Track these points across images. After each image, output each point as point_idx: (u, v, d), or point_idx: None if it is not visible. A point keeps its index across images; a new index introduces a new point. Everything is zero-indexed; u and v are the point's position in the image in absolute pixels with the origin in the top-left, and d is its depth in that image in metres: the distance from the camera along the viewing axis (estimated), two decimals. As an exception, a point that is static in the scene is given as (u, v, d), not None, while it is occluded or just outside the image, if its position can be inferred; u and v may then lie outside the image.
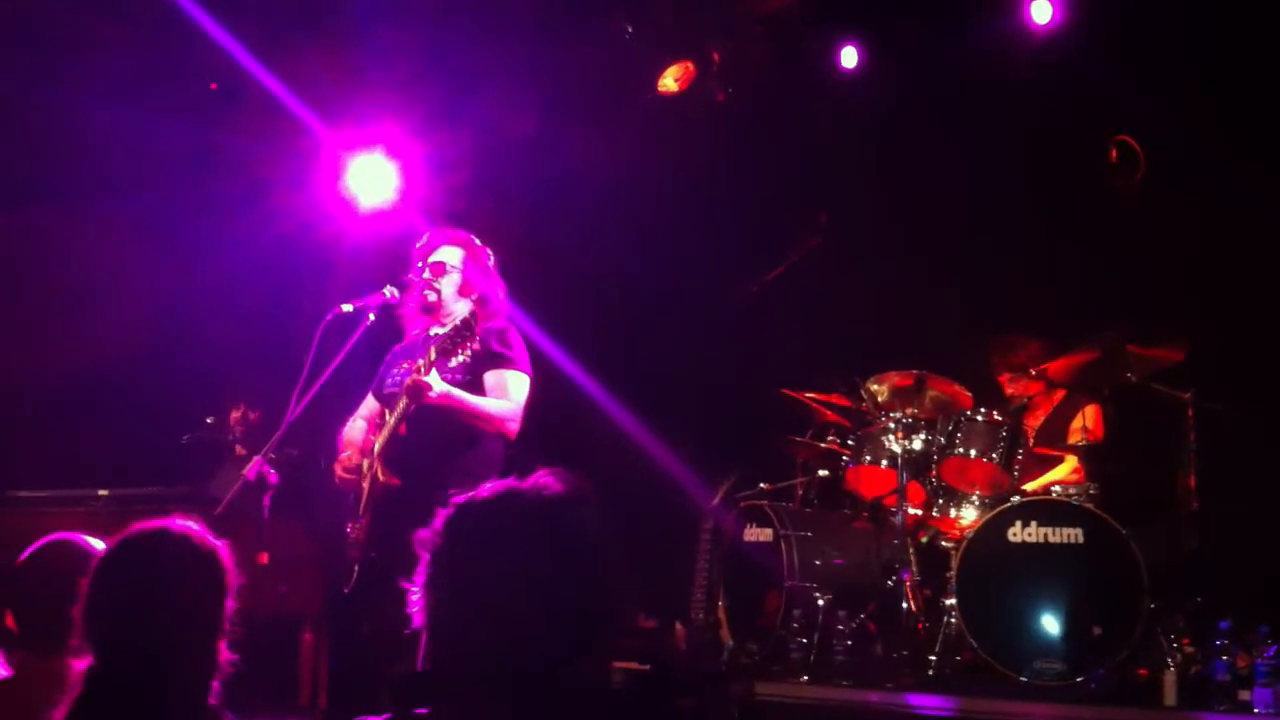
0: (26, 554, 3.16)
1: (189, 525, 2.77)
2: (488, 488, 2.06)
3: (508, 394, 5.01)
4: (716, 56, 7.62)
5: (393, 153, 7.56)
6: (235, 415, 7.26)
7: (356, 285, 5.49)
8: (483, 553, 2.00)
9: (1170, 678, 5.25)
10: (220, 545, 2.75)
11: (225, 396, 7.28)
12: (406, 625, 2.04)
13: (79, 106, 6.87)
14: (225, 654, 2.72)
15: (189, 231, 7.56)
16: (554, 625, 1.97)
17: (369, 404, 5.30)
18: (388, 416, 4.95)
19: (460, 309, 5.11)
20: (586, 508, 2.08)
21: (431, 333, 5.11)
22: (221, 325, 7.63)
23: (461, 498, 2.06)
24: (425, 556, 2.03)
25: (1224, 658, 5.27)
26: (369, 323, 5.17)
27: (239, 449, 7.02)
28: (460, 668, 1.98)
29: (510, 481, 2.07)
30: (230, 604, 2.74)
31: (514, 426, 5.02)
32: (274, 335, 6.90)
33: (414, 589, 2.03)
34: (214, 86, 7.48)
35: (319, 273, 7.50)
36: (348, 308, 5.15)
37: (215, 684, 2.66)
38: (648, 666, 5.98)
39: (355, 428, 5.23)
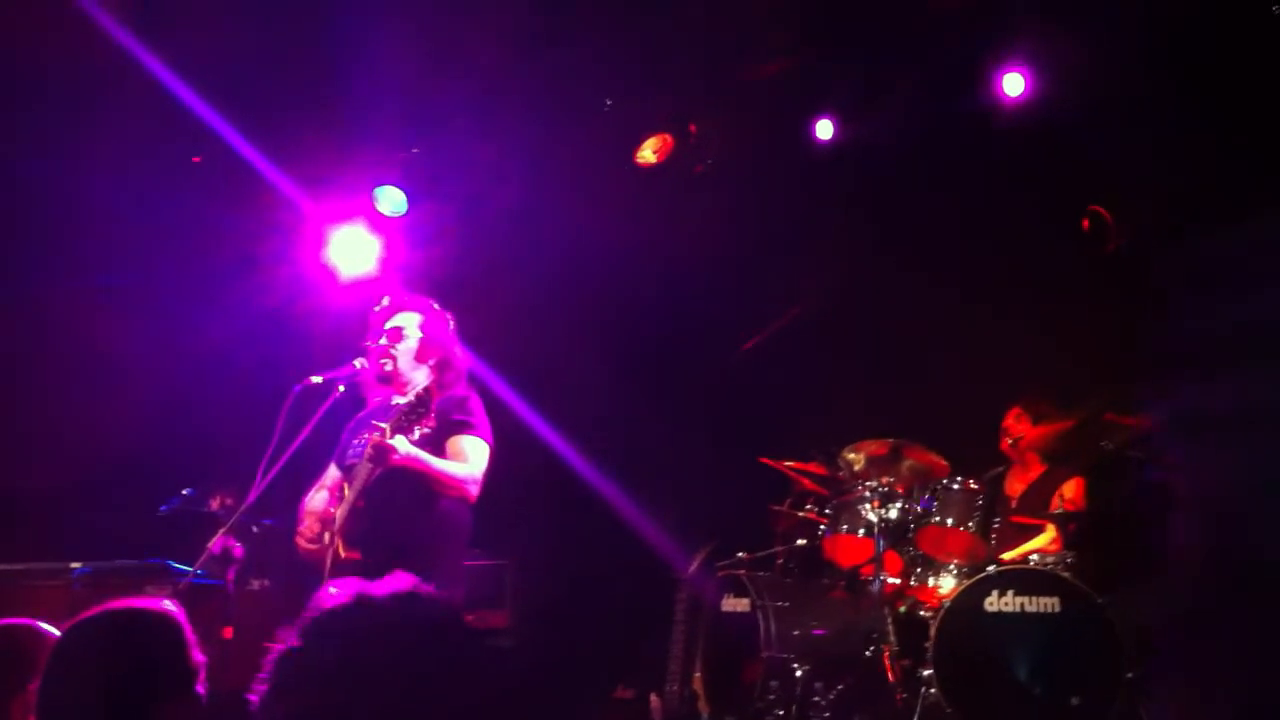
0: None
1: (151, 605, 2.75)
2: (340, 595, 1.89)
3: (467, 459, 5.02)
4: (694, 128, 7.68)
5: (375, 224, 7.62)
6: (215, 504, 7.23)
7: (342, 355, 5.53)
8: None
9: (1148, 750, 5.21)
10: (185, 625, 2.73)
11: (210, 481, 7.25)
12: None
13: (64, 182, 6.93)
14: None
15: (174, 305, 7.59)
16: None
17: (331, 473, 5.31)
18: (347, 490, 4.95)
19: (419, 377, 5.15)
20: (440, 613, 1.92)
21: (393, 402, 5.12)
22: (205, 397, 7.64)
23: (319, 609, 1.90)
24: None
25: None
26: (338, 394, 5.19)
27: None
28: None
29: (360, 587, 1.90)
30: (200, 687, 2.70)
31: (475, 490, 5.04)
32: (256, 407, 6.90)
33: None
34: (197, 160, 7.54)
35: (304, 344, 7.52)
36: (317, 379, 5.18)
37: None
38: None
39: (317, 498, 5.23)
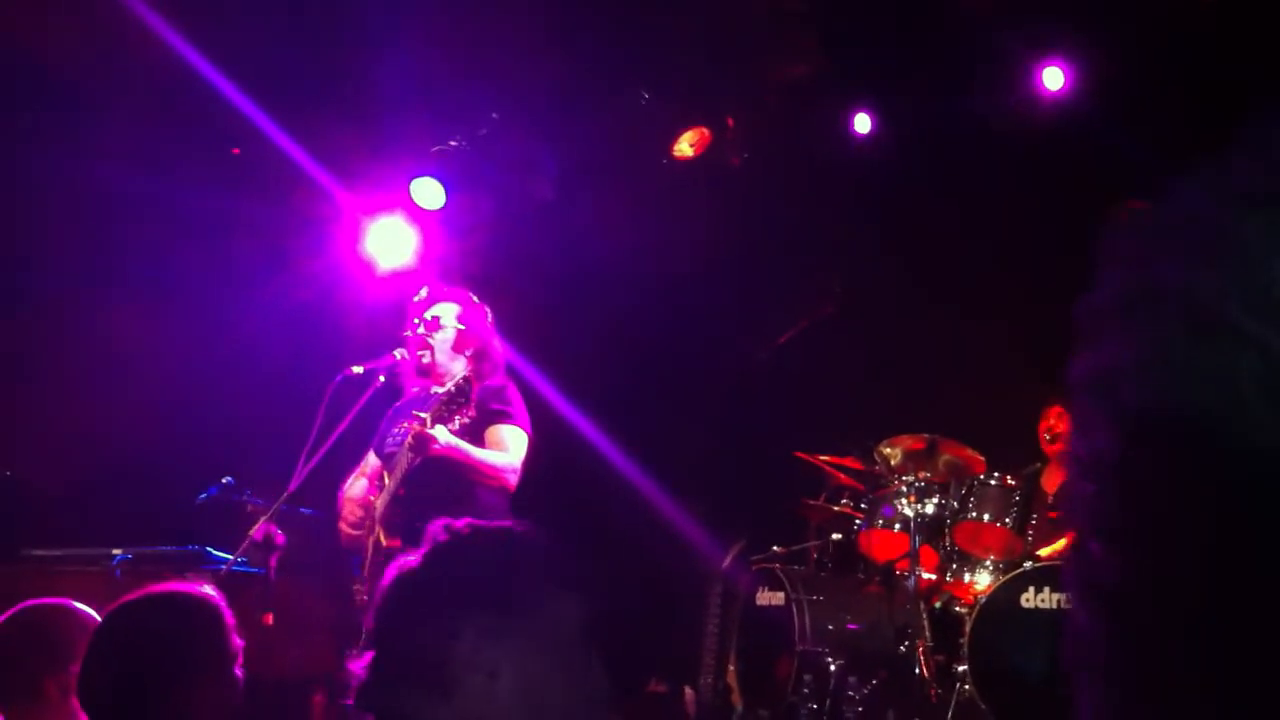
0: (9, 612, 3.20)
1: (192, 589, 2.80)
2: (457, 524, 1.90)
3: (506, 449, 5.05)
4: (731, 122, 7.68)
5: (412, 215, 7.64)
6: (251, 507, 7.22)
7: (375, 348, 5.56)
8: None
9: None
10: (225, 609, 2.77)
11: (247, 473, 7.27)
12: None
13: (98, 174, 6.98)
14: (233, 718, 2.73)
15: (210, 297, 7.63)
16: None
17: (370, 461, 5.35)
18: (387, 478, 4.99)
19: (457, 368, 5.17)
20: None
21: (432, 391, 5.15)
22: (241, 388, 7.68)
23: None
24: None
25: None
26: (378, 384, 5.22)
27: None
28: None
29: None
30: (238, 671, 2.75)
31: (513, 479, 5.07)
32: (293, 398, 6.94)
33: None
34: (236, 151, 7.58)
35: (339, 337, 7.55)
36: (358, 369, 5.22)
37: None
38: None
39: (356, 485, 5.28)
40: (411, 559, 1.82)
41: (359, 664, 1.76)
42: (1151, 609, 0.88)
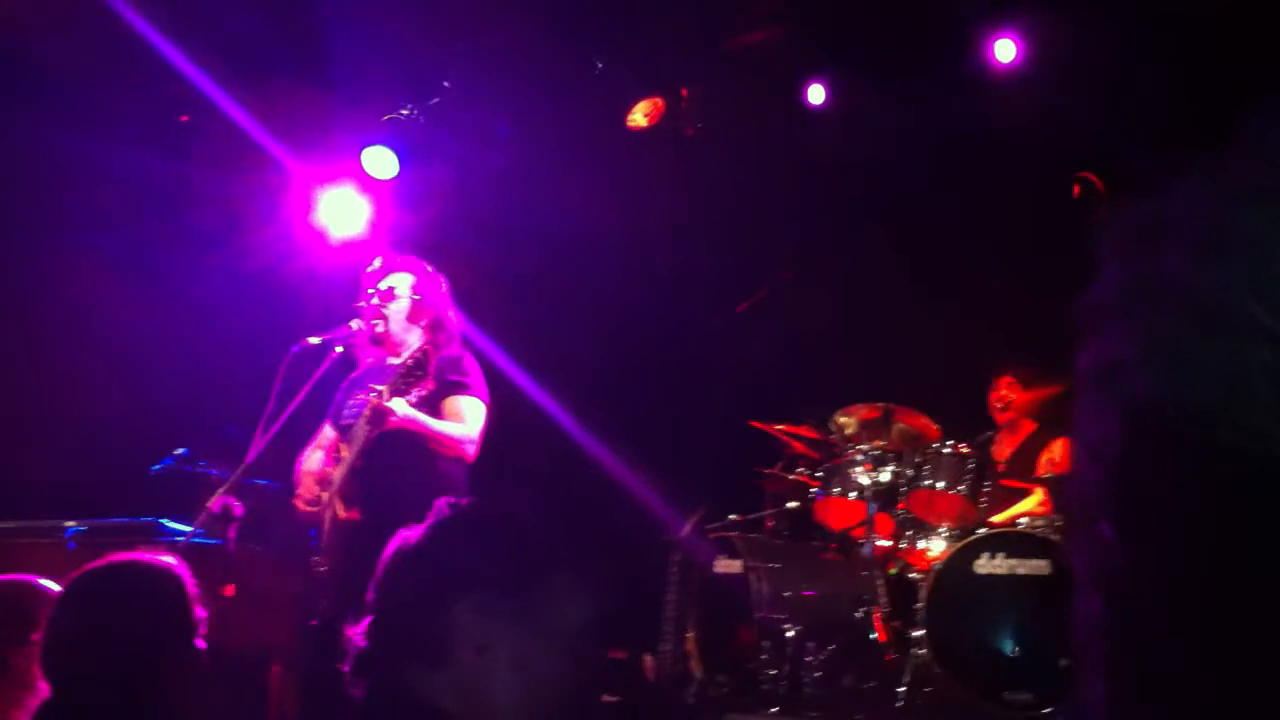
0: None
1: (155, 559, 2.79)
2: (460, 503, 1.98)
3: (464, 420, 5.03)
4: (685, 92, 7.66)
5: (364, 185, 7.58)
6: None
7: (332, 319, 5.52)
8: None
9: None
10: (187, 580, 2.77)
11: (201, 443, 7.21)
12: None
13: (46, 142, 6.87)
14: (194, 689, 2.73)
15: (161, 264, 7.55)
16: None
17: (326, 433, 5.31)
18: (343, 450, 4.96)
19: (412, 339, 5.15)
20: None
21: (388, 362, 5.13)
22: (191, 358, 7.61)
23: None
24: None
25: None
26: (335, 355, 5.19)
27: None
28: None
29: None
30: (200, 642, 2.75)
31: (472, 450, 5.06)
32: (244, 368, 6.89)
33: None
34: (184, 119, 7.48)
35: (293, 306, 7.49)
36: (314, 340, 5.19)
37: None
38: (616, 698, 5.98)
39: (313, 458, 5.24)
40: (414, 532, 1.84)
41: (356, 631, 1.78)
42: (1152, 606, 0.89)
